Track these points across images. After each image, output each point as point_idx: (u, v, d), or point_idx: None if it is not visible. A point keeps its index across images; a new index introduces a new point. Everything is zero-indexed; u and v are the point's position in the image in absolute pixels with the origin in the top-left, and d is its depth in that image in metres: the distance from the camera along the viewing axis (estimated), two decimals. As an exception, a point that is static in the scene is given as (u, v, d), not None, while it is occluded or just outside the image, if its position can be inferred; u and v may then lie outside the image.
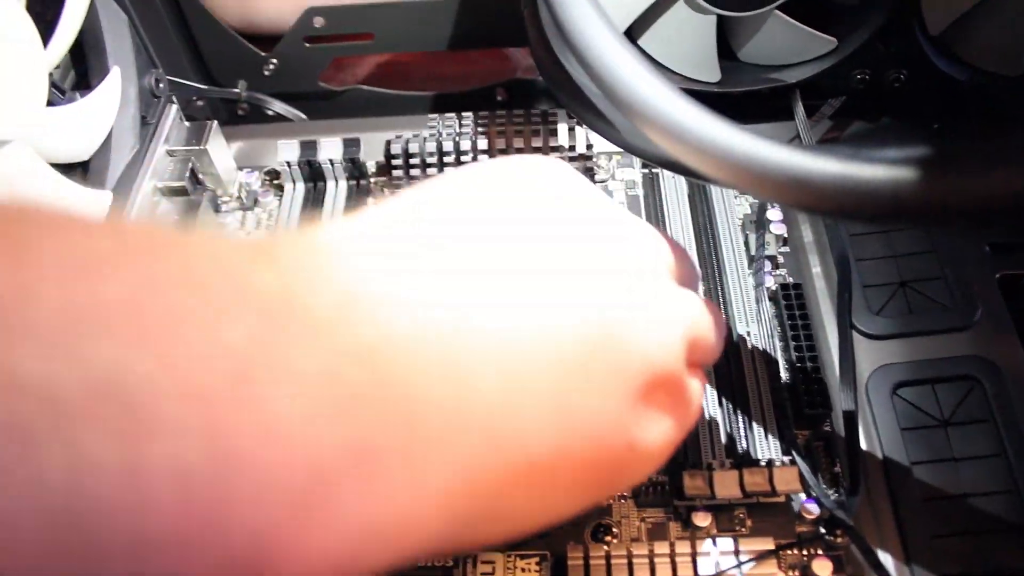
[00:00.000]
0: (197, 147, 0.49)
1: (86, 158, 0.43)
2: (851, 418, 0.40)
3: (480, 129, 0.48)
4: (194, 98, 0.53)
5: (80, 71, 0.45)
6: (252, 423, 0.16)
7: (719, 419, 0.41)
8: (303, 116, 0.55)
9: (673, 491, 0.40)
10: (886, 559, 0.39)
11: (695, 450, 0.40)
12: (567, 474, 0.24)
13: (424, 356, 0.20)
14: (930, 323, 0.45)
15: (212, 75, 0.55)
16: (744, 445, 0.40)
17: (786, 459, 0.39)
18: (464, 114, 0.49)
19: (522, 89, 0.56)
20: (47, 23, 0.40)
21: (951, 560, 0.38)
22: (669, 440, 0.26)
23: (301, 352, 0.18)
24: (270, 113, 0.55)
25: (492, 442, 0.21)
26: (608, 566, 0.38)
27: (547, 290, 0.23)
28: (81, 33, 0.42)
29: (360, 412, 0.18)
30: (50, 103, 0.40)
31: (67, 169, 0.43)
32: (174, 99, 0.50)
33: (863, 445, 0.41)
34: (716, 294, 0.45)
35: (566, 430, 0.23)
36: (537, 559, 0.38)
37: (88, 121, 0.42)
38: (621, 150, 0.48)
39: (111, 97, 0.43)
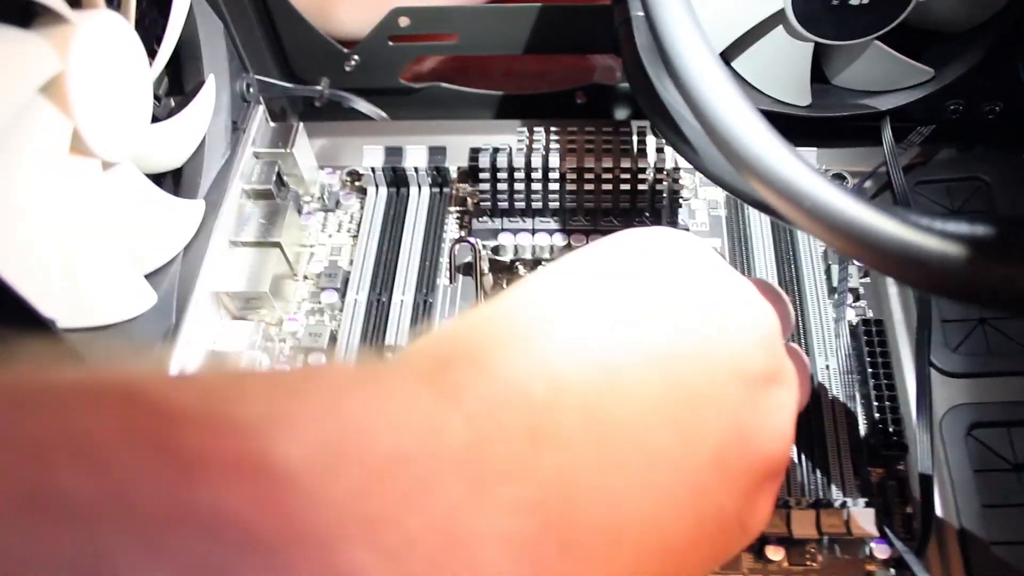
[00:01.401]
0: (283, 150, 0.50)
1: (179, 166, 0.44)
2: (927, 479, 0.40)
3: (569, 145, 0.48)
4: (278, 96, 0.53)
5: (173, 74, 0.45)
6: None
7: (797, 456, 0.42)
8: (384, 115, 0.55)
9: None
10: (953, 601, 0.40)
11: (772, 486, 0.41)
12: (693, 559, 0.25)
13: (587, 488, 0.21)
14: (1008, 363, 0.45)
15: (294, 72, 0.55)
16: (821, 484, 0.41)
17: (862, 501, 0.40)
18: (552, 128, 0.49)
19: (601, 94, 0.56)
20: (149, 33, 0.40)
21: (1017, 605, 0.40)
22: (769, 518, 0.28)
23: (494, 513, 0.19)
24: (346, 107, 0.55)
25: (640, 553, 0.22)
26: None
27: (687, 401, 0.24)
28: (178, 41, 0.42)
29: (541, 555, 0.19)
30: (154, 118, 0.40)
31: (161, 177, 0.43)
32: (261, 100, 0.51)
33: (935, 484, 0.42)
34: (797, 325, 0.45)
35: (699, 526, 0.24)
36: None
37: (185, 132, 0.43)
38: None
39: (206, 106, 0.44)
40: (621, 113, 0.58)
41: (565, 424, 0.21)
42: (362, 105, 0.54)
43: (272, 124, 0.52)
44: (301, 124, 0.51)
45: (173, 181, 0.44)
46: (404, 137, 0.53)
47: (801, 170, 0.29)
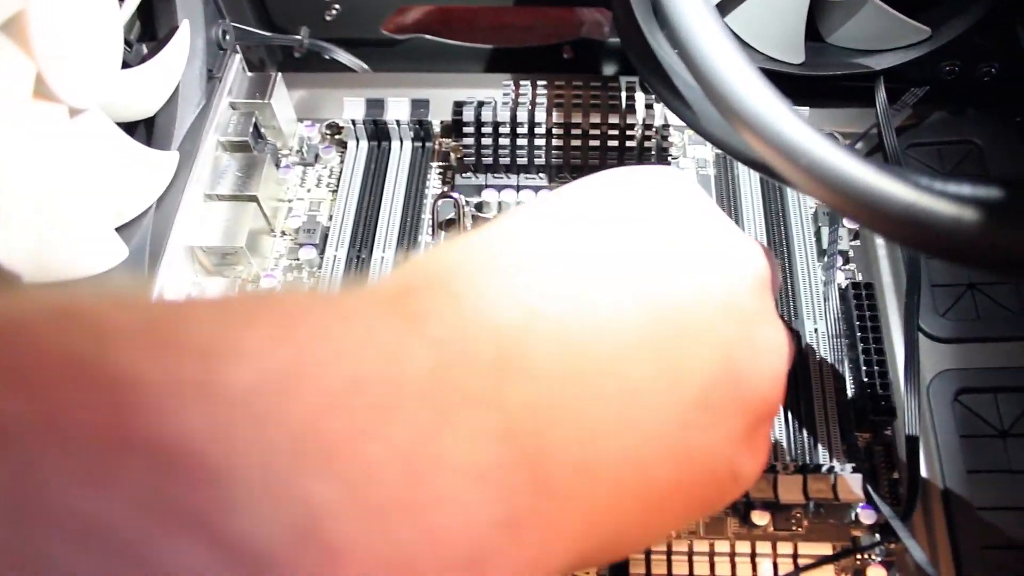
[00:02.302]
0: (261, 101, 0.48)
1: (152, 115, 0.42)
2: (914, 443, 0.40)
3: (556, 100, 0.46)
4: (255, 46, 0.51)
5: (145, 19, 0.43)
6: (422, 532, 0.16)
7: (784, 420, 0.41)
8: (366, 67, 0.53)
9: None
10: (937, 563, 0.39)
11: (758, 450, 0.40)
12: (679, 504, 0.24)
13: (562, 420, 0.20)
14: (997, 329, 0.45)
15: (273, 20, 0.53)
16: (808, 448, 0.40)
17: (849, 466, 0.40)
18: (539, 82, 0.48)
19: (589, 49, 0.55)
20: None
21: (1000, 572, 0.39)
22: (763, 467, 0.27)
23: (459, 442, 0.18)
24: (327, 59, 0.53)
25: (619, 492, 0.21)
26: (669, 560, 0.39)
27: (674, 334, 0.23)
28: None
29: (510, 487, 0.18)
30: (124, 64, 0.38)
31: (132, 127, 0.42)
32: (238, 48, 0.49)
33: (921, 449, 0.42)
34: (786, 287, 0.45)
35: (684, 467, 0.23)
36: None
37: (157, 79, 0.41)
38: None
39: (180, 53, 0.42)
40: (609, 69, 0.56)
41: (538, 353, 0.20)
42: (343, 56, 0.53)
43: (249, 74, 0.50)
44: (280, 75, 0.49)
45: (145, 131, 0.43)
46: (386, 90, 0.52)
47: (801, 128, 0.28)
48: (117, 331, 0.15)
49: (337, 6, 0.52)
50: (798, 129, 0.28)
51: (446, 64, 0.56)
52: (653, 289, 0.23)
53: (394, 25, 0.55)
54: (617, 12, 0.43)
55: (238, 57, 0.49)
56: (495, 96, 0.48)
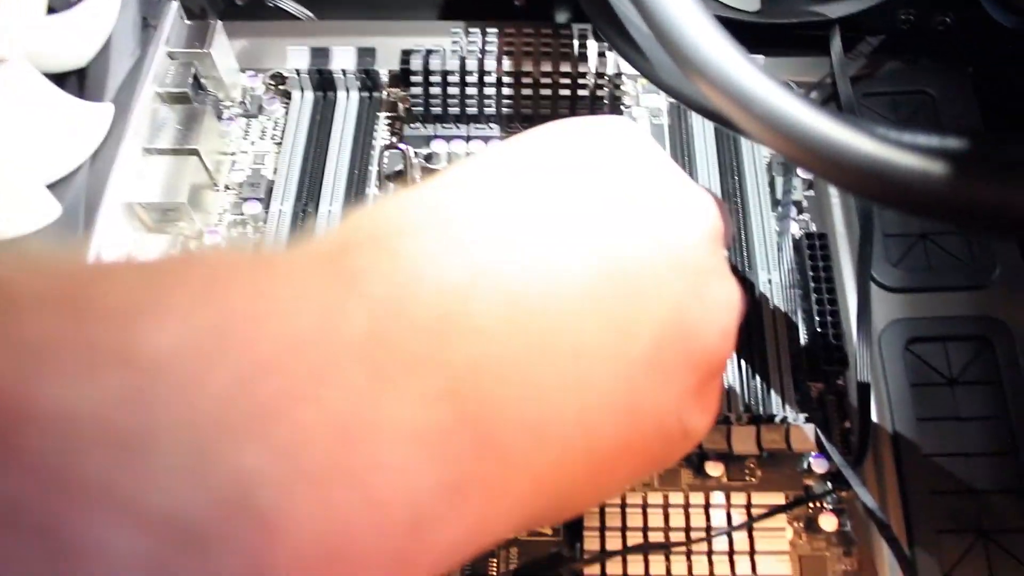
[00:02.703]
0: (200, 50, 0.46)
1: (84, 65, 0.40)
2: (865, 391, 0.40)
3: (507, 48, 0.45)
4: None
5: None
6: (360, 498, 0.16)
7: (738, 371, 0.41)
8: (311, 15, 0.51)
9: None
10: (886, 509, 0.40)
11: (712, 402, 0.40)
12: (628, 462, 0.24)
13: (507, 380, 0.19)
14: (947, 279, 0.45)
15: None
16: (761, 399, 0.40)
17: (801, 416, 0.40)
18: (489, 30, 0.46)
19: (541, -3, 0.53)
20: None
21: (947, 517, 0.40)
22: (714, 420, 0.27)
23: (398, 404, 0.17)
24: (270, 6, 0.51)
25: (567, 453, 0.21)
26: (623, 513, 0.39)
27: (624, 291, 0.22)
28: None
29: (452, 450, 0.18)
30: (50, 9, 0.36)
31: (63, 78, 0.40)
32: (175, -5, 0.47)
33: (872, 398, 0.42)
34: (739, 238, 0.44)
35: (633, 426, 0.23)
36: (553, 505, 0.39)
37: (87, 26, 0.39)
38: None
39: (109, 1, 0.40)
40: (561, 16, 0.55)
41: (482, 310, 0.19)
42: (286, 3, 0.51)
43: (188, 22, 0.48)
44: (220, 23, 0.47)
45: (77, 83, 0.41)
46: (332, 38, 0.50)
47: (757, 76, 0.28)
48: (31, 296, 0.14)
49: (279, -51, 0.50)
50: (754, 77, 0.27)
51: (394, 11, 0.54)
52: (603, 244, 0.23)
53: (340, -31, 0.53)
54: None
55: (175, 4, 0.46)
56: (444, 44, 0.47)
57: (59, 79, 0.39)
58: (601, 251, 0.22)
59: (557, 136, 0.26)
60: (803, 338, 0.43)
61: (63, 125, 0.38)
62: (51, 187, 0.38)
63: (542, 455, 0.20)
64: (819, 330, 0.42)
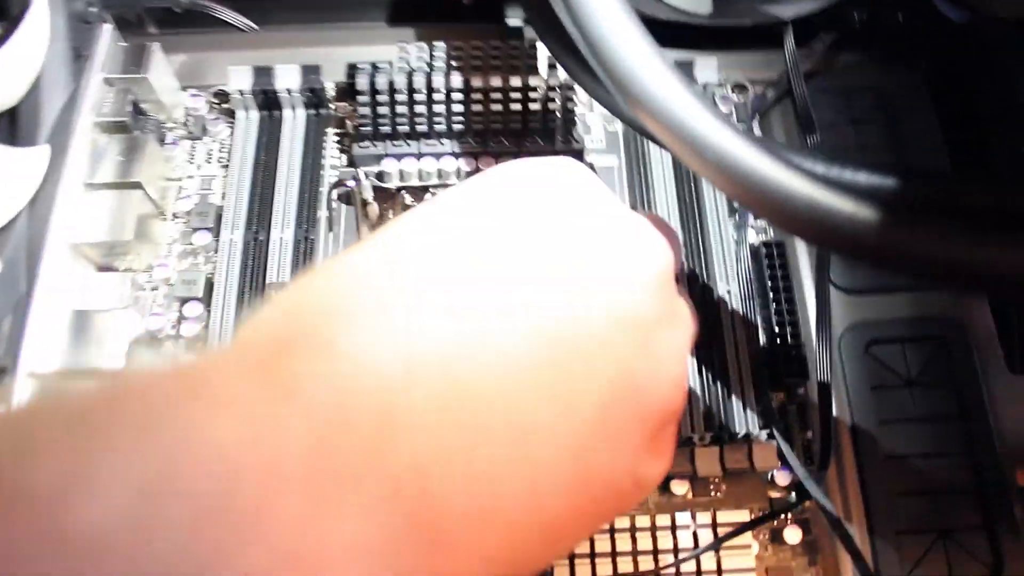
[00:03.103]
0: (137, 75, 0.44)
1: (13, 104, 0.39)
2: (826, 400, 0.40)
3: (455, 62, 0.44)
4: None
5: (-6, -5, 0.39)
6: None
7: (698, 387, 0.41)
8: (253, 26, 0.50)
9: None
10: (849, 515, 0.41)
11: (675, 420, 0.40)
12: (579, 526, 0.24)
13: (450, 472, 0.19)
14: (905, 279, 0.45)
15: (144, -24, 0.49)
16: (723, 416, 0.41)
17: (764, 433, 0.40)
18: (436, 43, 0.45)
19: (489, -4, 0.52)
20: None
21: (907, 518, 0.41)
22: (668, 466, 0.26)
23: (341, 523, 0.17)
24: (210, 15, 0.50)
25: (515, 529, 0.21)
26: (591, 540, 0.39)
27: (567, 359, 0.22)
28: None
29: (401, 553, 0.18)
30: (-27, 56, 0.35)
31: (-4, 120, 0.38)
32: (107, 16, 0.44)
33: (833, 402, 0.42)
34: (697, 248, 0.44)
35: (585, 492, 0.23)
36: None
37: (12, 66, 0.37)
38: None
39: (38, 32, 0.38)
40: (512, 15, 0.53)
41: (420, 402, 0.19)
42: (227, 15, 0.49)
43: (123, 44, 0.46)
44: (157, 44, 0.45)
45: (8, 124, 0.39)
46: (275, 51, 0.48)
47: (696, 113, 0.27)
48: None
49: (214, -42, 0.48)
50: (694, 114, 0.27)
51: (340, 14, 0.53)
52: (544, 314, 0.22)
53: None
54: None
55: (108, 27, 0.44)
56: (390, 55, 0.45)
57: (-11, 122, 0.37)
58: (542, 322, 0.22)
59: (497, 190, 0.25)
60: (763, 349, 0.43)
61: (-3, 175, 0.37)
62: (-12, 239, 0.36)
63: (492, 537, 0.20)
64: (779, 341, 0.42)
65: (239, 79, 0.45)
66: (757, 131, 0.48)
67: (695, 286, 0.43)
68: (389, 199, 0.46)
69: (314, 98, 0.46)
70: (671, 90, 0.27)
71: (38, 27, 0.38)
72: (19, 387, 0.37)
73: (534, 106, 0.44)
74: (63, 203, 0.40)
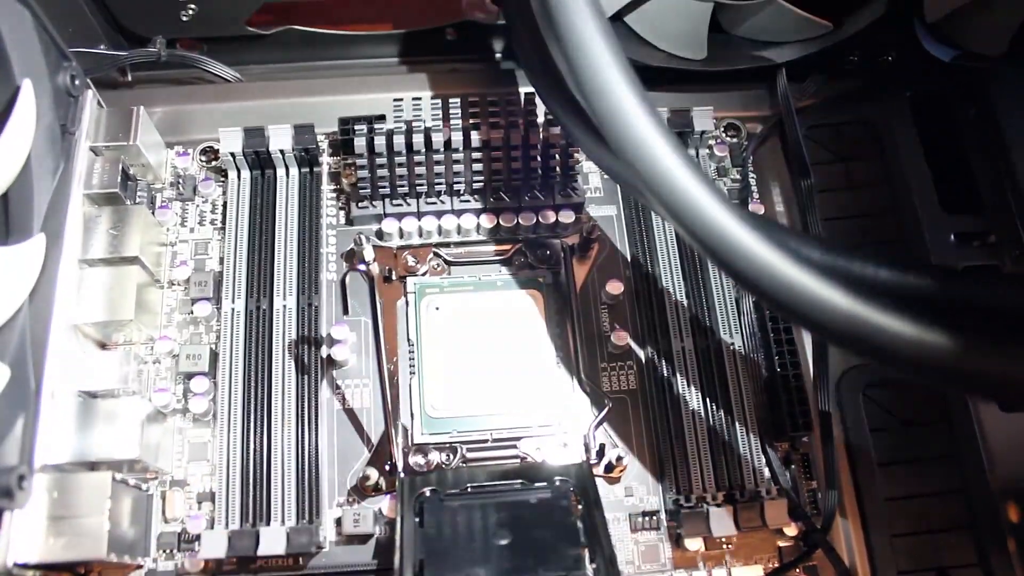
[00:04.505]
0: (125, 143, 0.43)
1: (3, 191, 0.37)
2: (830, 452, 0.42)
3: (452, 120, 0.43)
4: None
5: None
6: None
7: (707, 440, 0.42)
8: (238, 76, 0.48)
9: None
10: (853, 559, 0.42)
11: (686, 477, 0.41)
12: None
13: None
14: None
15: (122, 26, 0.47)
16: (732, 473, 0.41)
17: (773, 487, 0.41)
18: (433, 101, 0.44)
19: (474, 30, 0.51)
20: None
21: (907, 558, 0.43)
22: None
23: None
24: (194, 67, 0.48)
25: None
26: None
27: None
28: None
29: None
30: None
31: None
32: (89, 83, 0.43)
33: (835, 452, 0.43)
34: (700, 300, 0.45)
35: None
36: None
37: (6, 154, 0.36)
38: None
39: (25, 119, 0.37)
40: (497, 46, 0.53)
41: None
42: (212, 66, 0.48)
43: (107, 110, 0.44)
44: (142, 109, 0.44)
45: (1, 214, 0.38)
46: (262, 101, 0.47)
47: (732, 223, 0.27)
48: None
49: (193, 6, 0.47)
50: (732, 229, 0.27)
51: (321, 53, 0.51)
52: None
53: (260, 19, 0.49)
54: (515, 34, 0.40)
55: (91, 93, 0.43)
56: (380, 101, 0.44)
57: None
58: None
59: None
60: (767, 400, 0.43)
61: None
62: (-9, 339, 0.35)
63: None
64: (783, 394, 0.43)
65: (230, 141, 0.44)
66: (751, 172, 0.48)
67: (699, 338, 0.44)
68: (391, 259, 0.45)
69: (307, 156, 0.45)
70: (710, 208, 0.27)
71: (24, 114, 0.36)
72: (36, 484, 0.36)
73: (534, 163, 0.44)
74: (63, 285, 0.39)
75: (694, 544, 0.41)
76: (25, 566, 0.36)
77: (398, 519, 0.39)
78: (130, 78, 0.49)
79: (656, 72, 0.46)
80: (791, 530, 0.42)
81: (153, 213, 0.45)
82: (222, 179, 0.46)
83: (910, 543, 0.43)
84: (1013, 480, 0.44)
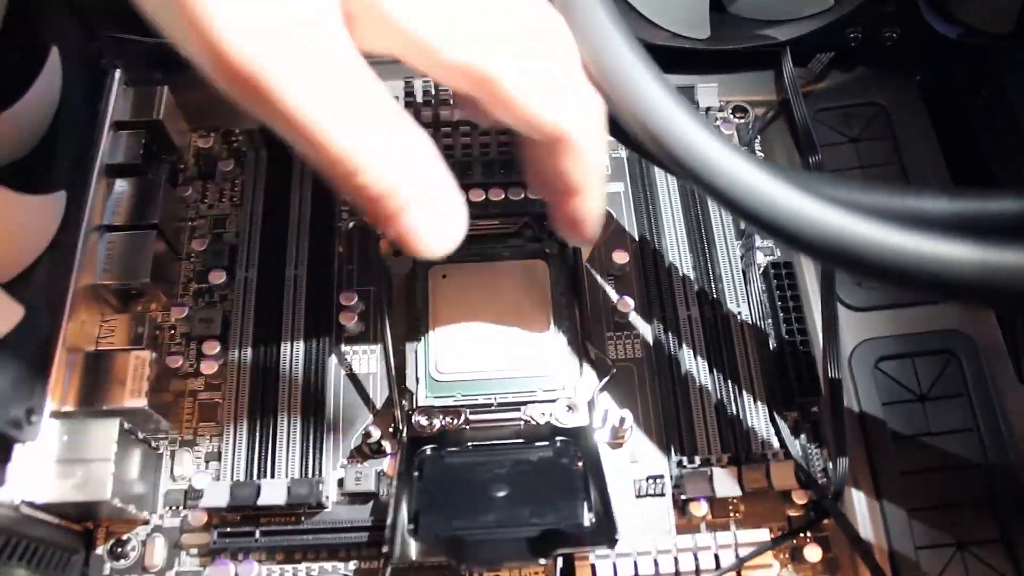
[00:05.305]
0: (149, 119, 0.45)
1: (28, 153, 0.39)
2: (840, 420, 0.41)
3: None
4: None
5: (9, 46, 0.39)
6: None
7: (713, 408, 0.41)
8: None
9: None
10: (866, 531, 0.41)
11: (691, 442, 0.41)
12: None
13: None
14: (911, 295, 0.46)
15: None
16: (739, 436, 0.41)
17: (780, 451, 0.41)
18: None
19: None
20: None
21: (925, 533, 0.41)
22: None
23: None
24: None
25: None
26: (614, 566, 0.39)
27: None
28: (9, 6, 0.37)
29: None
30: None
31: (7, 169, 0.39)
32: (117, 64, 0.45)
33: (847, 420, 0.43)
34: (706, 270, 0.45)
35: None
36: (544, 560, 0.39)
37: (28, 118, 0.38)
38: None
39: (52, 84, 0.39)
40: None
41: None
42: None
43: (133, 88, 0.46)
44: (167, 88, 0.46)
45: (26, 170, 0.40)
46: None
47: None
48: None
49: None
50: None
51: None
52: None
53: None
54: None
55: (118, 73, 0.45)
56: (392, 86, 0.46)
57: (8, 171, 0.38)
58: None
59: None
60: (775, 368, 0.43)
61: (11, 222, 0.37)
62: (9, 285, 0.37)
63: None
64: (791, 360, 0.43)
65: (247, 120, 0.46)
66: (759, 151, 0.49)
67: (705, 307, 0.44)
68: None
69: (323, 135, 0.47)
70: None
71: (52, 79, 0.39)
72: (45, 428, 0.37)
73: (540, 136, 0.45)
74: (83, 246, 0.41)
75: (699, 510, 0.41)
76: (32, 504, 0.37)
77: (396, 475, 0.39)
78: (157, 75, 0.51)
79: (662, 54, 0.47)
80: (800, 498, 0.41)
81: (175, 188, 0.47)
82: (241, 158, 0.48)
83: (928, 518, 0.42)
84: (1035, 454, 0.42)
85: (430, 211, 0.28)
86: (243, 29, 0.23)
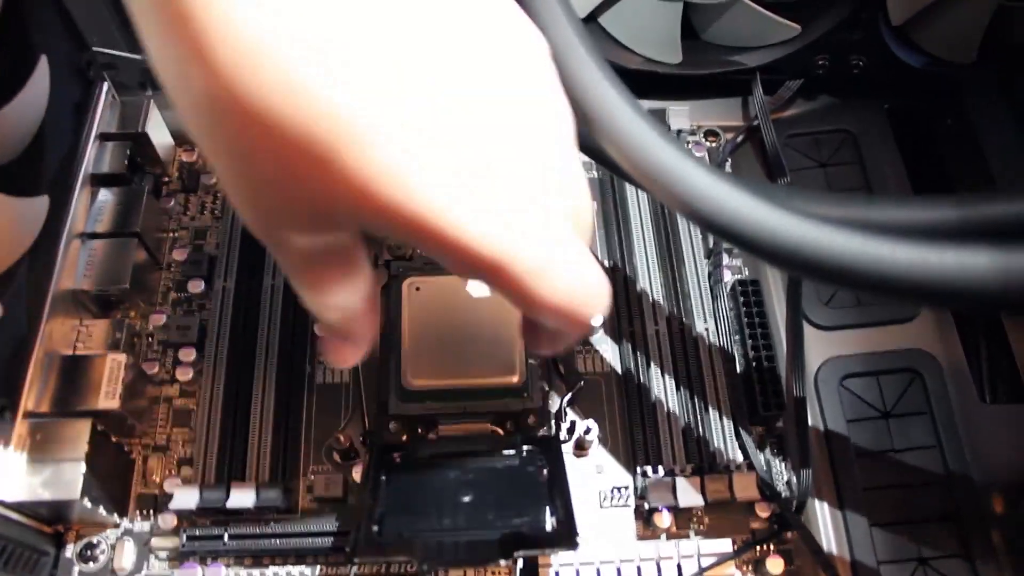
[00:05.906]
0: (135, 131, 0.46)
1: (14, 157, 0.40)
2: (804, 434, 0.42)
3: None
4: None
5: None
6: None
7: (679, 420, 0.42)
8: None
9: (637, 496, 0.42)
10: (830, 546, 0.41)
11: (656, 453, 0.41)
12: None
13: None
14: (876, 314, 0.47)
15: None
16: (703, 448, 0.42)
17: (744, 463, 0.41)
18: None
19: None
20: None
21: (888, 548, 0.42)
22: None
23: None
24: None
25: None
26: (577, 570, 0.40)
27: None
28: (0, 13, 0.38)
29: None
30: (-22, 112, 0.36)
31: (-2, 172, 0.40)
32: (105, 75, 0.47)
33: (811, 436, 0.43)
34: (675, 287, 0.46)
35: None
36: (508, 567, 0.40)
37: (16, 122, 0.39)
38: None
39: (40, 91, 0.40)
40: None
41: None
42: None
43: (119, 99, 0.48)
44: (152, 101, 0.47)
45: (9, 176, 0.41)
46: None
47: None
48: None
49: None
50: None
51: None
52: None
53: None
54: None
55: (106, 85, 0.46)
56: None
57: (-6, 175, 0.39)
58: None
59: None
60: (742, 384, 0.44)
61: (-3, 224, 0.38)
62: (-10, 285, 0.38)
63: None
64: (756, 375, 0.43)
65: (232, 134, 0.47)
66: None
67: (673, 323, 0.45)
68: (377, 245, 0.47)
69: (304, 150, 0.48)
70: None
71: (40, 86, 0.40)
72: (18, 427, 0.38)
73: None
74: (64, 251, 0.42)
75: (664, 521, 0.41)
76: (2, 503, 0.37)
77: (363, 479, 0.40)
78: (145, 92, 0.52)
79: (635, 78, 0.49)
80: (764, 510, 0.42)
81: (158, 200, 0.48)
82: (224, 173, 0.49)
83: (890, 532, 0.42)
84: (996, 471, 0.43)
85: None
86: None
